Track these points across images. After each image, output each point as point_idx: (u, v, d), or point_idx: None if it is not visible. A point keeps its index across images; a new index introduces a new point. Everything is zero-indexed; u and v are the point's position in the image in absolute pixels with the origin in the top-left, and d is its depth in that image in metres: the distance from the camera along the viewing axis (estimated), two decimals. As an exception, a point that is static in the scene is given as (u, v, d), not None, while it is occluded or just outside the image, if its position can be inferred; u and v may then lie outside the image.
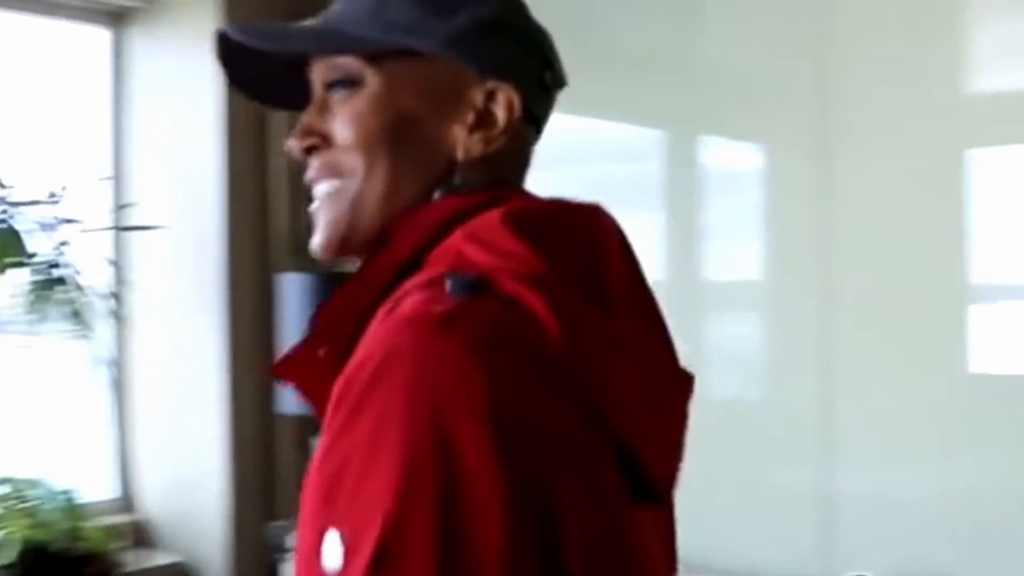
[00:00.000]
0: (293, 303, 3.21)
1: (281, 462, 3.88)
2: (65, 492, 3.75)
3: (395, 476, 0.79)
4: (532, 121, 1.04)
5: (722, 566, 2.74)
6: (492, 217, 0.92)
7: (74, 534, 3.70)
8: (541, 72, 1.04)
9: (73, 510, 3.73)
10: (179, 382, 3.96)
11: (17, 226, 3.51)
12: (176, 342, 3.94)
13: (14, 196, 3.51)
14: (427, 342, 0.82)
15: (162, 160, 4.00)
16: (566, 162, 3.40)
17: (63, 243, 3.58)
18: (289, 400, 3.23)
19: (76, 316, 3.66)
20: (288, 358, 0.99)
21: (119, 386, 3.87)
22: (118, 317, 3.97)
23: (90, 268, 3.70)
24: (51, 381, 4.46)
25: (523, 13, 1.05)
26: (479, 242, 0.92)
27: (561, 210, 0.99)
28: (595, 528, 0.87)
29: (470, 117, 0.99)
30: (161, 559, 3.88)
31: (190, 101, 3.88)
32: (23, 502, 3.61)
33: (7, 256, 3.48)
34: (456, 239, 0.93)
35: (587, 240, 0.97)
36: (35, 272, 3.58)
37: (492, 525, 0.79)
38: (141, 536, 3.90)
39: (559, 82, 1.07)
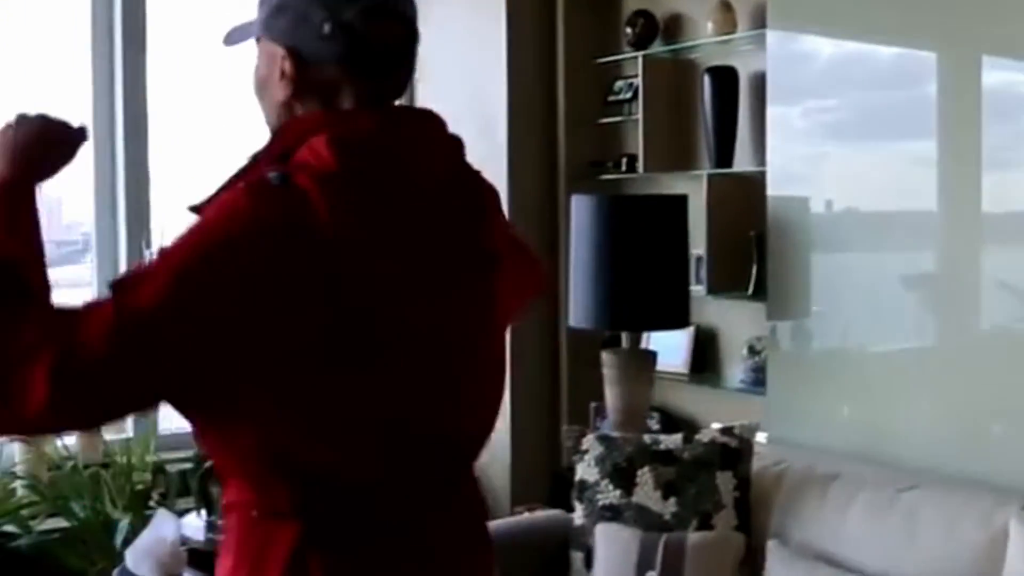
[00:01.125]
0: (583, 222, 3.35)
1: (563, 374, 4.11)
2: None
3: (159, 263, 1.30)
4: (351, 63, 1.43)
5: (1001, 486, 2.74)
6: (322, 137, 1.36)
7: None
8: (319, 28, 1.41)
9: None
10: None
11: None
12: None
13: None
14: (232, 203, 1.32)
15: (451, 93, 4.24)
16: (836, 88, 3.41)
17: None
18: (576, 315, 3.40)
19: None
20: (198, 207, 1.40)
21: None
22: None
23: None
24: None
25: None
26: (312, 151, 1.36)
27: (379, 132, 1.42)
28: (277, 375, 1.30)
29: (278, 73, 1.44)
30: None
31: (478, 35, 4.11)
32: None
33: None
34: (305, 149, 1.36)
35: (396, 153, 1.41)
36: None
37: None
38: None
39: (344, 32, 1.42)
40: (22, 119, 1.48)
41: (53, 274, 1.42)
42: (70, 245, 4.20)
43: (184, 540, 3.28)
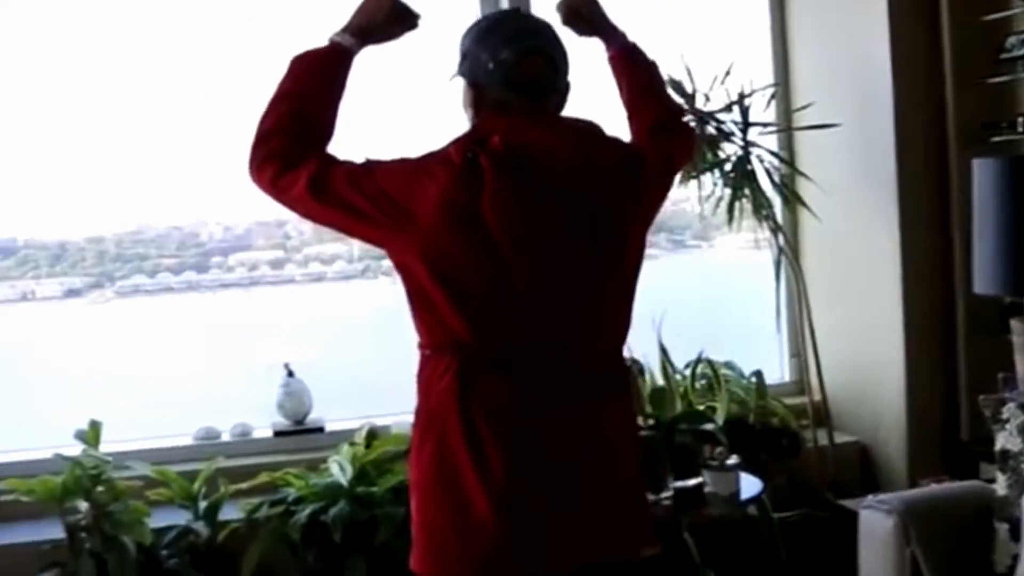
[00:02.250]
0: (988, 186, 3.24)
1: (960, 343, 4.01)
2: (754, 373, 4.13)
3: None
4: (510, 87, 2.13)
5: None
6: (499, 136, 2.04)
7: (763, 410, 4.07)
8: (486, 66, 2.13)
9: (761, 389, 4.09)
10: (853, 269, 4.19)
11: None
12: (850, 231, 4.16)
13: (707, 106, 3.91)
14: (441, 154, 2.05)
15: (831, 59, 4.21)
16: None
17: (750, 144, 3.91)
18: (983, 282, 3.30)
19: (760, 212, 3.99)
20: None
21: (796, 276, 4.15)
22: (794, 211, 4.28)
23: (768, 167, 4.01)
24: (731, 275, 4.90)
25: (477, 40, 2.16)
26: (493, 144, 2.03)
27: (532, 139, 2.07)
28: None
29: (467, 98, 2.18)
30: (839, 438, 4.15)
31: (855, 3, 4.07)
32: (719, 382, 4.03)
33: (704, 161, 3.88)
34: (491, 140, 2.04)
35: (535, 152, 2.06)
36: (722, 175, 3.95)
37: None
38: (818, 416, 4.17)
39: (501, 66, 2.13)
40: None
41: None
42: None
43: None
